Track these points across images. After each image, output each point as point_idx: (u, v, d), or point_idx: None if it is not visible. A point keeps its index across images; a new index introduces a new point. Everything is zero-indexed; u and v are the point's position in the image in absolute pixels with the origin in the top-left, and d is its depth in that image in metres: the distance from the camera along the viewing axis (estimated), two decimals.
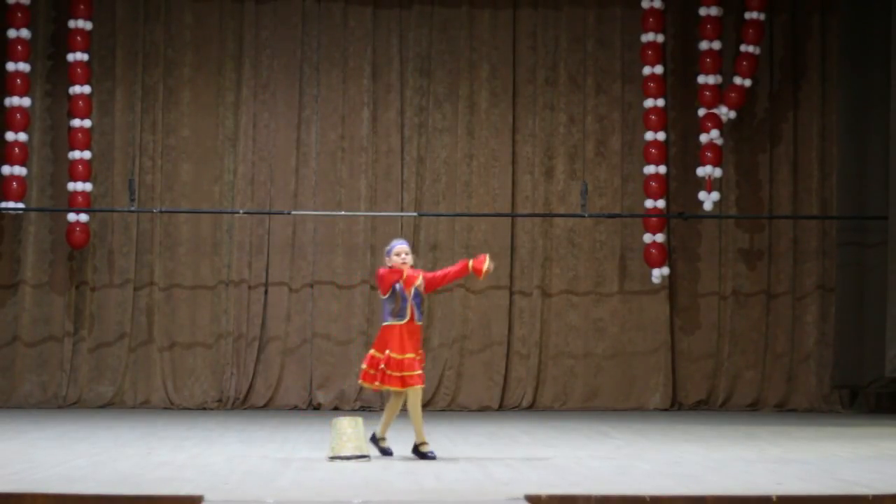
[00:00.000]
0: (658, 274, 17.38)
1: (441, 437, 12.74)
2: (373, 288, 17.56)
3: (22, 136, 16.84)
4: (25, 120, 16.90)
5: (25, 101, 16.86)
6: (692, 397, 17.75)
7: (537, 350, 17.63)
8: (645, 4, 17.34)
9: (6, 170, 16.78)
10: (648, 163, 17.38)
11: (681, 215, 17.53)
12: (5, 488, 7.95)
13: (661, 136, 17.38)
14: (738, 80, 17.26)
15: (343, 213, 17.53)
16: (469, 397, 17.58)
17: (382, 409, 17.29)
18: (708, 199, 17.18)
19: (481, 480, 8.92)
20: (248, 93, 17.63)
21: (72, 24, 17.04)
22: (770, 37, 17.75)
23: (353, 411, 16.68)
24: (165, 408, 17.22)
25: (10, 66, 16.83)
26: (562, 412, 17.15)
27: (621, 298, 17.78)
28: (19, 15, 16.86)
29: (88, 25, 17.09)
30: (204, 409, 17.24)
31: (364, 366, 10.56)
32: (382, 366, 10.39)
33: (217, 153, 17.66)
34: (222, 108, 17.69)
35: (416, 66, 17.78)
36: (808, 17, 17.93)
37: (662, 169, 17.38)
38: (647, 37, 17.34)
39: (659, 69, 17.35)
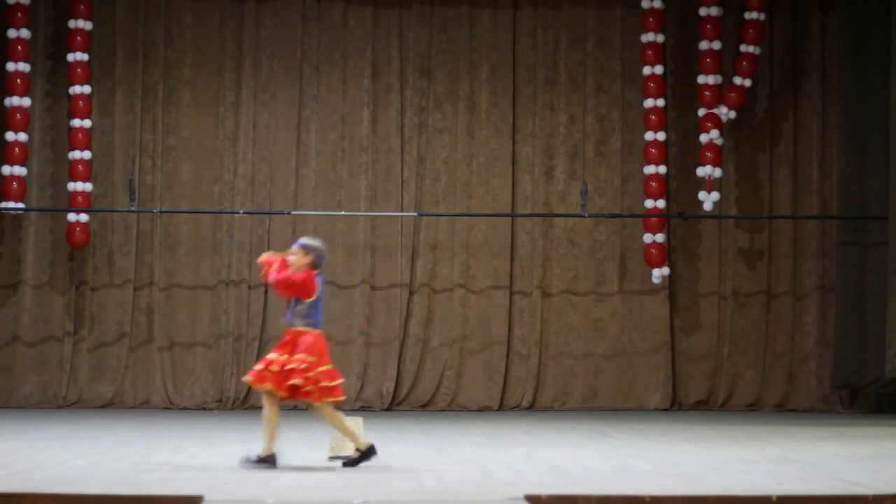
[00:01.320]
0: (658, 274, 17.37)
1: (441, 437, 12.75)
2: (373, 288, 17.57)
3: (22, 136, 16.84)
4: (25, 120, 16.89)
5: (25, 101, 16.85)
6: (692, 397, 17.75)
7: (537, 350, 17.62)
8: (645, 4, 17.34)
9: (6, 170, 16.78)
10: (648, 163, 17.38)
11: (681, 215, 17.53)
12: (5, 488, 7.95)
13: (661, 136, 17.38)
14: (738, 80, 17.26)
15: (343, 213, 17.53)
16: (469, 397, 17.57)
17: (384, 409, 17.31)
18: (708, 199, 17.18)
19: (481, 480, 8.92)
20: (248, 93, 17.63)
21: (72, 24, 17.04)
22: (770, 37, 17.75)
23: (353, 411, 16.66)
24: (165, 408, 17.22)
25: (10, 66, 16.82)
26: (562, 412, 17.14)
27: (621, 298, 17.78)
28: (19, 15, 16.86)
29: (88, 25, 17.09)
30: (204, 409, 17.24)
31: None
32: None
33: (217, 153, 17.66)
34: (222, 108, 17.68)
35: (416, 66, 17.77)
36: (808, 17, 17.93)
37: (662, 169, 17.38)
38: (647, 37, 17.34)
39: (659, 69, 17.36)
